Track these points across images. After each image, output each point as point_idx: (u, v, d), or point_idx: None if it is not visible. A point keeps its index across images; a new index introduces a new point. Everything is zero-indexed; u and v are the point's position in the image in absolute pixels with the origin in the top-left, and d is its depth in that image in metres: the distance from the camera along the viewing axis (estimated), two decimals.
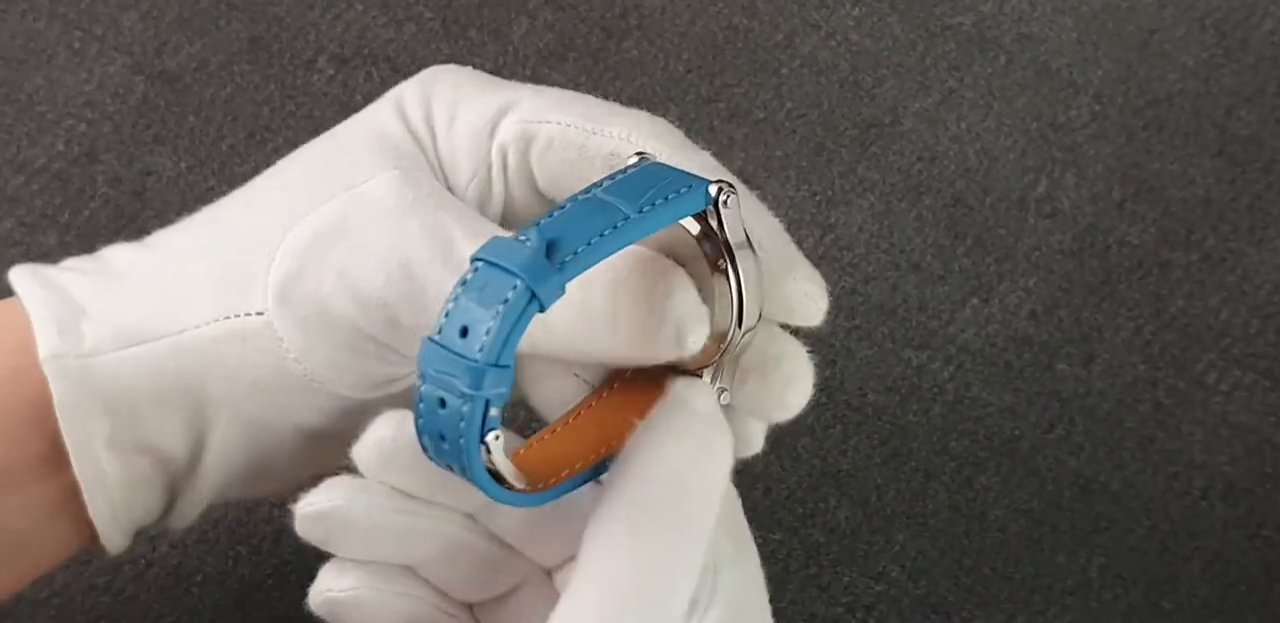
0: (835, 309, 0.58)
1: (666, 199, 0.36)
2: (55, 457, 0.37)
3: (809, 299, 0.39)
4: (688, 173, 0.37)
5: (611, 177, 0.36)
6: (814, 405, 0.57)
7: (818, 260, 0.58)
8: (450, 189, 0.40)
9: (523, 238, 0.34)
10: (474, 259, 0.34)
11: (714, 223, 0.37)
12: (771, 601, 0.39)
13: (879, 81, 0.62)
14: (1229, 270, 0.59)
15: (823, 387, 0.57)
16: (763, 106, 0.62)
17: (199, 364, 0.37)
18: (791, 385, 0.40)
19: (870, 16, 0.63)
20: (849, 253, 0.59)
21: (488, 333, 0.33)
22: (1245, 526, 0.55)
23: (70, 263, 0.40)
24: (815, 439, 0.56)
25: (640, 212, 0.35)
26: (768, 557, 0.54)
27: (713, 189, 0.37)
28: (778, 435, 0.56)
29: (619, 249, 0.35)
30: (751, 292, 0.38)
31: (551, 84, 0.61)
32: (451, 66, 0.42)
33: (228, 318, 0.37)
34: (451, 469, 0.35)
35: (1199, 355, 0.58)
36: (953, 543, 0.55)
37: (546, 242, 0.35)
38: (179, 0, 0.63)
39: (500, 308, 0.33)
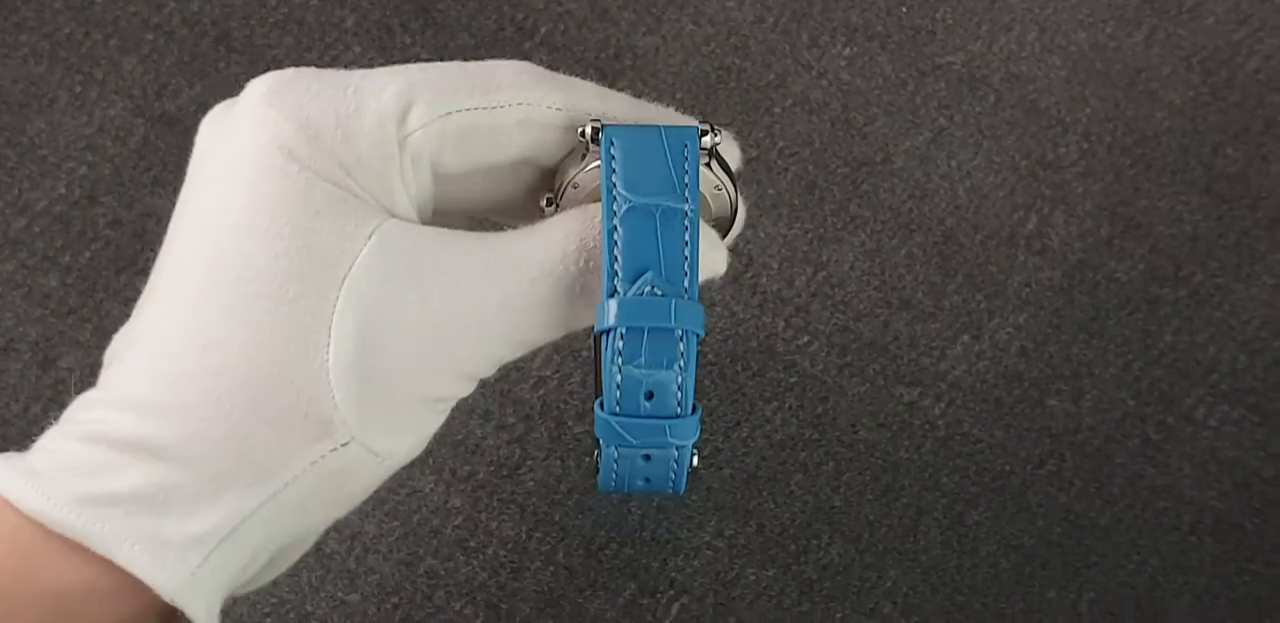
0: (827, 346, 0.58)
1: (685, 169, 0.37)
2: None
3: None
4: (663, 128, 0.38)
5: (609, 166, 0.38)
6: (806, 442, 0.57)
7: (809, 298, 0.59)
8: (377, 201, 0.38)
9: (641, 290, 0.37)
10: (611, 328, 0.36)
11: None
12: None
13: (870, 120, 0.63)
14: (1217, 306, 0.59)
15: (815, 423, 0.57)
16: (755, 145, 0.62)
17: (301, 512, 0.36)
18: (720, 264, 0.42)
19: (861, 56, 0.64)
20: (840, 290, 0.60)
21: (680, 389, 0.36)
22: (1234, 560, 0.56)
23: (83, 458, 0.36)
24: (808, 476, 0.57)
25: (685, 198, 0.37)
26: (760, 593, 0.55)
27: (706, 140, 0.39)
28: (770, 473, 0.57)
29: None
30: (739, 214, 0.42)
31: None
32: (278, 74, 0.39)
33: (314, 463, 0.36)
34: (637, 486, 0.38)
35: (1187, 391, 0.58)
36: (944, 579, 0.56)
37: (648, 270, 0.37)
38: (179, 44, 0.63)
39: (681, 363, 0.36)
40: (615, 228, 0.37)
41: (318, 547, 0.56)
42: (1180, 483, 0.57)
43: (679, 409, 0.36)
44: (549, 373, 0.58)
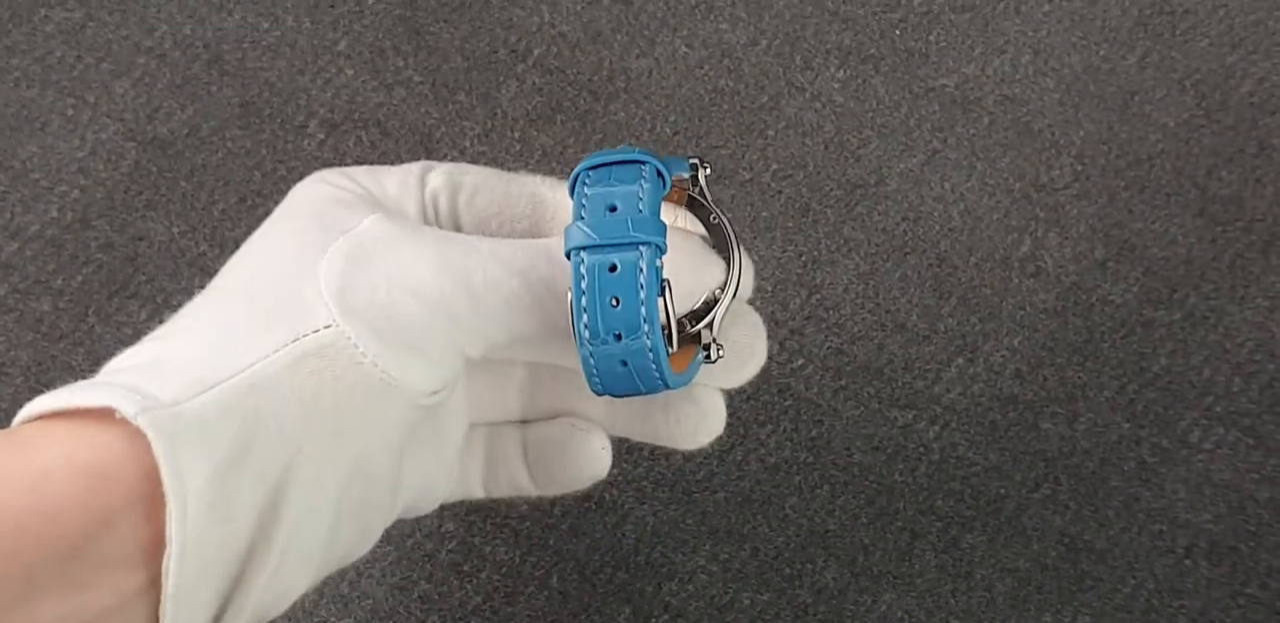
0: (821, 369, 0.58)
1: (648, 155, 0.39)
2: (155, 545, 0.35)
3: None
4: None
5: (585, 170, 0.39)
6: (800, 466, 0.57)
7: (804, 321, 0.58)
8: None
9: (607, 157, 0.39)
10: (581, 169, 0.38)
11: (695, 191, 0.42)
12: None
13: (864, 143, 0.63)
14: (1211, 329, 0.59)
15: (809, 446, 0.57)
16: (749, 167, 0.62)
17: (278, 397, 0.37)
18: (755, 357, 0.45)
19: (854, 79, 0.64)
20: (835, 313, 0.60)
21: (642, 197, 0.37)
22: (1229, 583, 0.56)
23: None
24: (802, 499, 0.57)
25: (640, 157, 0.39)
26: (755, 618, 0.55)
27: (700, 175, 0.42)
28: (765, 496, 0.57)
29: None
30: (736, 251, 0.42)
31: (540, 146, 0.62)
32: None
33: (296, 341, 0.37)
34: (618, 338, 0.37)
35: (1182, 413, 0.58)
36: (939, 603, 0.55)
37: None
38: (170, 67, 0.63)
39: (643, 180, 0.37)
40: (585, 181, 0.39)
41: None
42: (1175, 506, 0.57)
43: (642, 213, 0.37)
44: None
